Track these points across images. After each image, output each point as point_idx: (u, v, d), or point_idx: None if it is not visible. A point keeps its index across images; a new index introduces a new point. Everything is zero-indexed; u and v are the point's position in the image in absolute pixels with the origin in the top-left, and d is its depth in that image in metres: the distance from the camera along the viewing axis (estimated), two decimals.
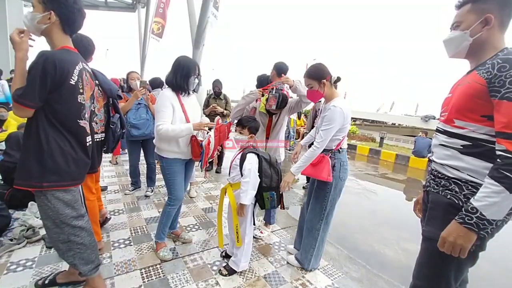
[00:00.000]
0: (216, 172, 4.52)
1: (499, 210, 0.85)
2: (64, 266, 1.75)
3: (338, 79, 1.72)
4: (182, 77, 1.83)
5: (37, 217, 2.27)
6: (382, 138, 8.89)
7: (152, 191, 3.24)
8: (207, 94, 4.54)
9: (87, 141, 1.42)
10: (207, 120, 2.03)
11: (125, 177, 3.79)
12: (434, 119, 9.01)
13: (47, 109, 1.22)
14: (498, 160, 0.86)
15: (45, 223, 1.33)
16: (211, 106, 4.15)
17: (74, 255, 1.39)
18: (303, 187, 4.29)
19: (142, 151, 3.20)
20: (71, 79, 1.25)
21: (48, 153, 1.23)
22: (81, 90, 1.32)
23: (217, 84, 4.26)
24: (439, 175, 1.07)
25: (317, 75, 1.72)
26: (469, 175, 0.97)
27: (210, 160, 2.19)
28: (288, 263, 2.03)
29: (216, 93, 4.27)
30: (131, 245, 2.10)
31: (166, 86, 1.91)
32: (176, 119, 1.83)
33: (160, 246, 1.99)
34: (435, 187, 1.08)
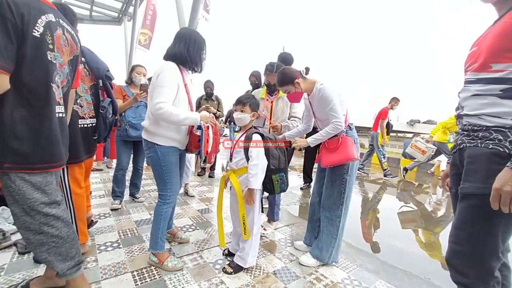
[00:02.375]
0: (209, 176, 4.33)
1: None
2: (40, 272, 1.48)
3: (307, 69, 1.74)
4: (195, 50, 1.57)
5: (9, 223, 1.98)
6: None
7: (138, 198, 2.91)
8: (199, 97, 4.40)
9: (57, 111, 1.14)
10: (208, 114, 1.76)
11: (111, 183, 3.50)
12: (419, 122, 9.38)
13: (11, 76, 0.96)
14: None
15: (12, 210, 1.08)
16: (203, 106, 4.00)
17: (49, 250, 1.14)
18: (301, 188, 4.14)
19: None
20: (34, 30, 0.98)
21: (10, 126, 0.98)
22: (50, 46, 1.06)
23: (208, 85, 4.14)
24: (475, 128, 0.96)
25: (288, 79, 1.73)
26: None
27: (208, 165, 1.99)
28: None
29: (208, 94, 4.14)
30: (120, 248, 1.85)
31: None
32: (179, 99, 1.53)
33: (164, 257, 1.64)
34: (471, 141, 0.97)
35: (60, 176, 1.54)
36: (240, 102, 1.65)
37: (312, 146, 1.73)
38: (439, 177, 1.19)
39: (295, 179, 5.09)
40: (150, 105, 1.51)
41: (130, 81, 2.71)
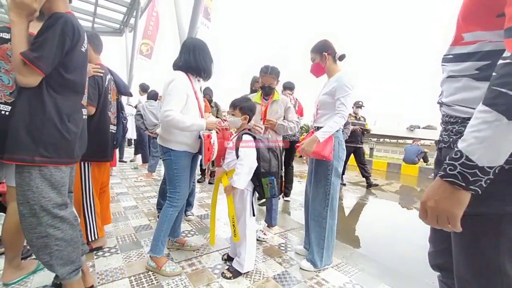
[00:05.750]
0: (209, 183, 4.31)
1: (493, 149, 0.53)
2: (35, 282, 1.45)
3: (343, 56, 1.70)
4: (200, 57, 1.65)
5: None
6: (372, 149, 9.02)
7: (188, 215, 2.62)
8: None
9: (83, 113, 1.32)
10: (215, 119, 1.81)
11: (110, 190, 3.48)
12: (419, 128, 9.40)
13: (54, 76, 1.11)
14: (493, 73, 0.56)
15: (20, 210, 1.09)
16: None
17: (51, 253, 1.14)
18: None
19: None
20: (82, 46, 1.19)
21: (47, 122, 1.09)
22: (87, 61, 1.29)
23: (208, 92, 4.19)
24: (451, 120, 0.75)
25: (319, 48, 1.73)
26: None
27: (217, 168, 2.00)
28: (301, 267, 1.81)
29: (207, 101, 4.18)
30: (117, 253, 1.82)
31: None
32: (189, 108, 1.61)
33: (162, 262, 1.61)
34: (446, 139, 0.75)
35: (83, 174, 1.70)
36: (232, 106, 1.68)
37: (320, 139, 1.60)
38: None
39: (295, 185, 5.06)
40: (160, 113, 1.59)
41: None
